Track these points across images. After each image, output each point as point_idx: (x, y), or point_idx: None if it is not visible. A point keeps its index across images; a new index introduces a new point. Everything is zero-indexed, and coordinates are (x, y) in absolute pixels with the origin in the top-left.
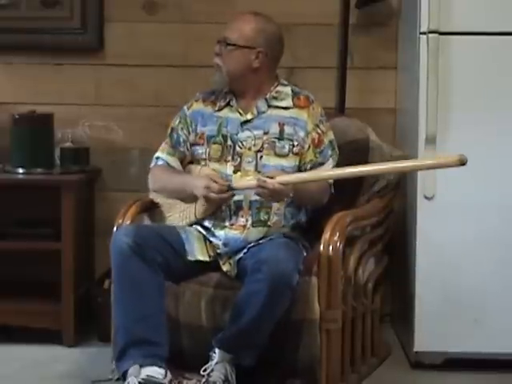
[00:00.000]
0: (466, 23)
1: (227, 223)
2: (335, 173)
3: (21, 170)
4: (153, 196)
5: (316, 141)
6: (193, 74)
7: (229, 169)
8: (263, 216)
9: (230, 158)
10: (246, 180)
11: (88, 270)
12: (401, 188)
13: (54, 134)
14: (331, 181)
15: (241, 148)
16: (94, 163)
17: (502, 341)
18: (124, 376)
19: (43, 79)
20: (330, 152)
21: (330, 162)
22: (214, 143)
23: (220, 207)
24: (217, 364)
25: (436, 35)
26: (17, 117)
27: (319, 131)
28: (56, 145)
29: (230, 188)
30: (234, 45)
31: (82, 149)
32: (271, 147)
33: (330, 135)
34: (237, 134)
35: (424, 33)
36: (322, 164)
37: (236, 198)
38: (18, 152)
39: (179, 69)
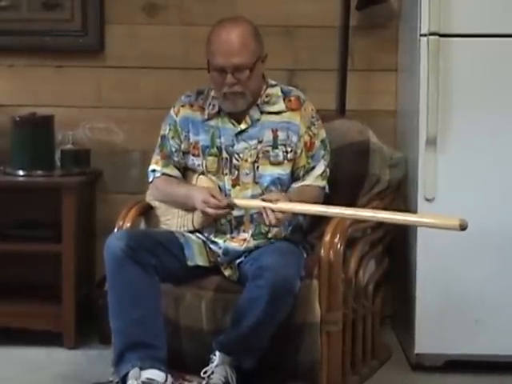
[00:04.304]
0: (466, 25)
1: (228, 235)
2: (334, 211)
3: (21, 172)
4: (149, 199)
5: (308, 144)
6: (193, 76)
7: (227, 183)
8: (263, 228)
9: (227, 171)
10: (249, 200)
11: (89, 272)
12: (401, 190)
13: (55, 135)
14: (324, 184)
15: (238, 160)
16: (94, 165)
17: (502, 342)
18: (124, 380)
19: (44, 81)
20: (322, 152)
21: (322, 164)
22: (210, 155)
23: (219, 220)
24: (217, 366)
25: (436, 37)
26: (17, 119)
27: (311, 134)
28: (57, 147)
29: (231, 204)
30: (252, 66)
31: (82, 151)
32: (266, 156)
33: (322, 134)
34: (232, 146)
35: (424, 35)
36: (313, 168)
37: (237, 213)
38: (18, 154)
39: (180, 71)
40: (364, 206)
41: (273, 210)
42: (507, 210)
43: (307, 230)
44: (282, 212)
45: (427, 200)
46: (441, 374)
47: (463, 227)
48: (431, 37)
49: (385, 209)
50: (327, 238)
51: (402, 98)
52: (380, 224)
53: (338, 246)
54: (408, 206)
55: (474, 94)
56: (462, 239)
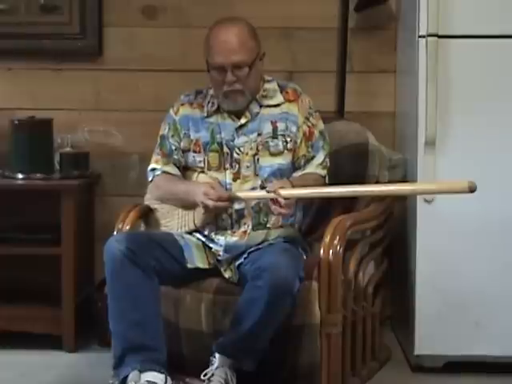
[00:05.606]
0: (464, 26)
1: (229, 231)
2: (342, 190)
3: (20, 176)
4: (149, 202)
5: (307, 134)
6: (192, 78)
7: (228, 177)
8: (263, 218)
9: (228, 165)
10: (252, 192)
11: (88, 275)
12: None
13: (54, 139)
14: (324, 173)
15: (238, 154)
16: (93, 168)
17: (503, 344)
18: (123, 383)
19: (43, 84)
20: (321, 142)
21: (321, 154)
22: (211, 151)
23: (220, 215)
24: (217, 369)
25: (435, 38)
26: (16, 122)
27: (309, 124)
28: (55, 150)
29: (232, 197)
30: (251, 63)
31: (81, 154)
32: (265, 148)
33: (320, 125)
34: (233, 141)
35: (423, 36)
36: (313, 157)
37: (238, 206)
38: (17, 157)
39: (179, 73)
40: (363, 208)
41: (277, 200)
42: (506, 211)
43: (305, 231)
44: (287, 198)
45: (426, 201)
46: (440, 376)
47: (472, 189)
48: (430, 38)
49: (384, 210)
50: (327, 239)
51: (400, 99)
52: (380, 225)
53: (338, 247)
54: (407, 208)
55: (472, 95)
56: (461, 241)
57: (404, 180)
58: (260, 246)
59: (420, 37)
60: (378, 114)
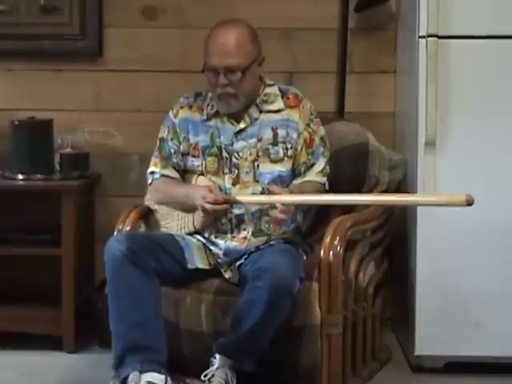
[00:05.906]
0: (464, 27)
1: (228, 235)
2: (340, 199)
3: (21, 176)
4: (148, 203)
5: (308, 141)
6: (192, 79)
7: (227, 182)
8: (264, 225)
9: (227, 170)
10: (252, 196)
11: (88, 275)
12: (400, 192)
13: (54, 139)
14: (324, 180)
15: (237, 159)
16: (93, 169)
17: (503, 344)
18: (124, 383)
19: (43, 85)
20: (321, 149)
21: (322, 160)
22: (210, 155)
23: (219, 219)
24: (217, 369)
25: (435, 39)
26: (16, 123)
27: (310, 130)
28: (56, 151)
29: (231, 201)
30: (245, 68)
31: (81, 154)
32: (266, 154)
33: (321, 131)
34: (232, 145)
35: (423, 36)
36: (314, 164)
37: (237, 211)
38: (17, 158)
39: (179, 74)
40: (363, 208)
41: (276, 207)
42: (507, 211)
43: (306, 232)
44: (285, 205)
45: None
46: (441, 376)
47: (470, 202)
48: (430, 38)
49: (385, 210)
50: (327, 240)
51: (400, 100)
52: (380, 226)
53: (338, 248)
54: (407, 208)
55: (472, 95)
56: (461, 241)
57: (404, 180)
58: (260, 247)
59: (420, 37)
60: (378, 115)
